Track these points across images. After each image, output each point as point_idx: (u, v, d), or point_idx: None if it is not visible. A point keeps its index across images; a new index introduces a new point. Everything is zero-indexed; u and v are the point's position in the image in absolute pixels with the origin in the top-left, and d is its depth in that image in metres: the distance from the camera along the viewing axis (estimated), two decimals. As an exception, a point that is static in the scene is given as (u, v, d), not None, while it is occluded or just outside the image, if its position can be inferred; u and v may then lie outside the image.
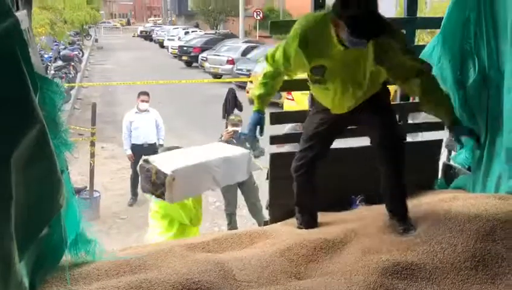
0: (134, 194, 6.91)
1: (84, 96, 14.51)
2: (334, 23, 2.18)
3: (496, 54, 2.78)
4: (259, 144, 5.08)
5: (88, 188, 6.47)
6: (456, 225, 2.28)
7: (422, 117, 3.59)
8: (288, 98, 10.42)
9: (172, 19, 54.29)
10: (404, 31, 3.01)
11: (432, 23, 3.49)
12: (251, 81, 13.64)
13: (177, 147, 3.89)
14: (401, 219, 2.44)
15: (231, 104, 8.04)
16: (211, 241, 2.42)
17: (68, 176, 2.00)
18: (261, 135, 2.63)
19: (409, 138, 3.17)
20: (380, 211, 2.65)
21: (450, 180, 3.27)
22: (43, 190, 1.59)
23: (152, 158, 3.37)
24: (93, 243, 2.10)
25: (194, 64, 21.90)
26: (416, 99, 2.83)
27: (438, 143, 3.27)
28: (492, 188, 2.94)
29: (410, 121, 3.43)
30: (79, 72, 17.57)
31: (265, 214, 3.98)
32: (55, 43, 18.00)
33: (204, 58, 20.11)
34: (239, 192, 5.49)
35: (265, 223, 3.09)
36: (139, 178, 3.45)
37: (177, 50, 24.59)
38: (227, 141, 5.06)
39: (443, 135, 3.29)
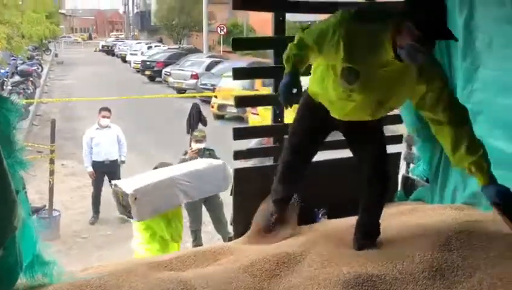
0: (96, 212, 6.75)
1: (44, 112, 14.14)
2: (396, 29, 1.95)
3: (448, 70, 2.91)
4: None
5: (47, 207, 6.27)
6: (414, 236, 2.35)
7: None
8: (253, 113, 10.48)
9: (135, 33, 53.86)
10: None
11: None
12: (215, 96, 13.67)
13: (170, 164, 4.33)
14: (366, 237, 2.38)
15: (195, 119, 8.04)
16: (174, 259, 2.39)
17: (25, 195, 1.94)
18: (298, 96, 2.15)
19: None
20: (341, 224, 2.69)
21: (409, 192, 3.36)
22: (-3, 211, 1.55)
23: (120, 182, 3.78)
24: (52, 264, 2.02)
25: (157, 79, 21.74)
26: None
27: (397, 156, 3.36)
28: (449, 199, 3.04)
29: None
30: (38, 87, 17.13)
31: (231, 229, 3.98)
32: (13, 58, 17.50)
33: (168, 73, 19.99)
34: (204, 208, 5.45)
35: (230, 239, 3.08)
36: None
37: (140, 65, 24.34)
38: (191, 158, 5.04)
39: (401, 148, 3.38)
